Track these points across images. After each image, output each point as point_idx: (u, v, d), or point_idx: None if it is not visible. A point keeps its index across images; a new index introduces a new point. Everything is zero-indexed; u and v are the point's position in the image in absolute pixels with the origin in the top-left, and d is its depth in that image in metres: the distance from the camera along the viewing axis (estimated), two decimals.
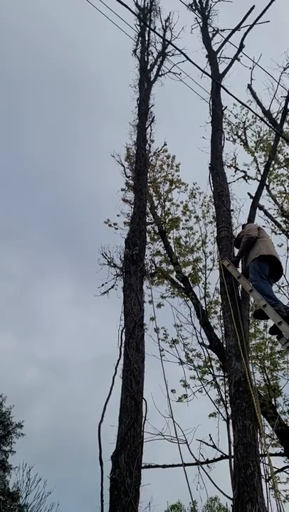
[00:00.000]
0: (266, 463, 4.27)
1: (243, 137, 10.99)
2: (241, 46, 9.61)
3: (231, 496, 4.06)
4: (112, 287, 7.44)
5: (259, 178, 9.30)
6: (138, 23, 10.05)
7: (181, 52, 5.82)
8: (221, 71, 9.52)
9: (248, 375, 4.54)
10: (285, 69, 10.20)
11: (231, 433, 4.66)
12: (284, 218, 9.81)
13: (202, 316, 7.88)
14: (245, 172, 10.31)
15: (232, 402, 4.57)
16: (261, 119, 9.99)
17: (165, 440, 4.81)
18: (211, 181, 7.38)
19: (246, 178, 10.19)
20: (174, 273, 9.01)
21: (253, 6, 9.66)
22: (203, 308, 8.12)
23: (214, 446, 6.41)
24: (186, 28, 10.88)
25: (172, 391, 7.26)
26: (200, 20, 10.93)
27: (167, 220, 9.73)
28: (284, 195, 10.08)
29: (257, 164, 10.44)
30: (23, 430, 15.63)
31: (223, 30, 10.40)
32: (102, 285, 7.60)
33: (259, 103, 10.75)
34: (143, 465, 4.46)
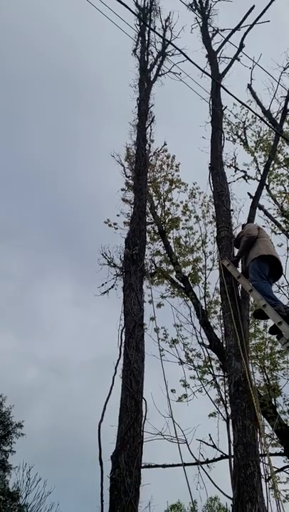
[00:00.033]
0: (266, 463, 4.28)
1: (243, 137, 11.00)
2: (241, 46, 9.61)
3: (231, 496, 4.06)
4: (112, 287, 7.45)
5: (259, 178, 9.30)
6: (138, 23, 10.05)
7: (181, 52, 5.82)
8: (220, 71, 9.52)
9: (247, 375, 4.54)
10: (285, 69, 10.21)
11: (231, 433, 4.66)
12: (284, 218, 9.82)
13: (202, 316, 7.88)
14: (245, 172, 10.32)
15: (232, 402, 4.57)
16: (261, 118, 10.00)
17: (165, 440, 4.81)
18: (211, 181, 7.38)
19: (246, 177, 10.20)
20: (174, 273, 9.01)
21: (253, 6, 9.67)
22: (203, 308, 8.12)
23: (214, 446, 6.42)
24: (186, 27, 10.89)
25: (172, 391, 7.28)
26: (200, 20, 10.93)
27: (167, 220, 9.73)
28: (284, 195, 10.08)
29: (257, 164, 10.46)
30: (23, 430, 15.62)
31: (223, 30, 10.41)
32: (102, 285, 7.61)
33: (259, 103, 10.75)
34: (143, 465, 4.47)
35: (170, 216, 9.79)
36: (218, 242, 6.38)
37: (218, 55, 9.86)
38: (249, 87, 10.84)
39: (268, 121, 10.02)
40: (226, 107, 8.88)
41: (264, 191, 9.11)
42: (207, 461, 6.49)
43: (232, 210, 6.86)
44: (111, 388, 4.74)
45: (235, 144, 11.01)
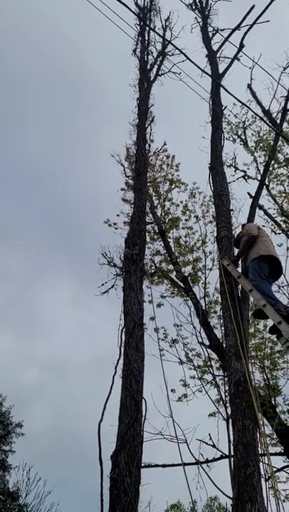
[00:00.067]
0: (266, 462, 4.28)
1: (243, 137, 11.00)
2: (241, 46, 9.60)
3: (231, 496, 4.06)
4: (112, 287, 7.44)
5: (259, 178, 9.31)
6: (138, 23, 10.04)
7: (181, 52, 5.82)
8: (220, 71, 9.51)
9: (247, 375, 4.54)
10: (285, 68, 10.22)
11: (231, 432, 4.66)
12: (284, 218, 9.82)
13: (202, 316, 7.88)
14: (245, 172, 10.32)
15: (232, 402, 4.57)
16: (261, 118, 9.99)
17: (165, 440, 4.81)
18: (211, 181, 7.38)
19: (246, 177, 10.20)
20: (174, 273, 9.01)
21: (253, 6, 9.65)
22: (203, 307, 8.12)
23: (214, 446, 6.42)
24: (186, 27, 10.88)
25: (172, 391, 7.27)
26: (200, 19, 10.93)
27: (167, 220, 9.73)
28: (284, 194, 10.08)
29: (257, 164, 10.46)
30: (22, 430, 15.66)
31: (223, 29, 10.40)
32: (102, 285, 7.60)
33: (259, 103, 10.76)
34: (143, 464, 4.47)
35: (170, 216, 9.79)
36: (218, 242, 6.38)
37: (218, 55, 9.86)
38: (249, 86, 10.85)
39: (267, 121, 10.02)
40: (225, 107, 8.88)
41: (264, 191, 9.12)
42: (207, 461, 6.49)
43: (232, 210, 6.87)
44: (111, 388, 4.74)
45: (235, 144, 11.03)
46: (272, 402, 7.83)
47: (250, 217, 7.03)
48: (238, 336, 4.88)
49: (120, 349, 5.12)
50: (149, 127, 8.50)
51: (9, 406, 15.95)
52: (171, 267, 9.20)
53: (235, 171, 10.34)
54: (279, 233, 9.54)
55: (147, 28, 10.02)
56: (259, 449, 4.14)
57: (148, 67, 9.81)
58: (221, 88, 8.26)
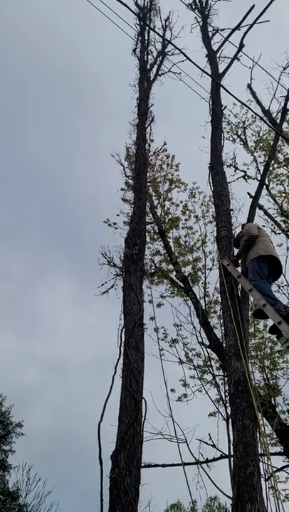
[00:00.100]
0: (266, 462, 4.28)
1: (243, 137, 11.01)
2: (241, 46, 9.61)
3: (231, 495, 4.06)
4: (112, 287, 7.43)
5: (259, 178, 9.31)
6: (138, 23, 10.04)
7: (181, 52, 5.82)
8: (220, 70, 9.52)
9: (247, 375, 4.54)
10: (284, 68, 10.23)
11: (231, 432, 4.66)
12: (283, 218, 9.82)
13: (202, 316, 7.88)
14: (244, 171, 10.32)
15: (231, 402, 4.57)
16: (261, 118, 10.00)
17: (165, 439, 4.82)
18: (211, 181, 7.38)
19: (246, 177, 10.20)
20: (174, 273, 9.01)
21: (253, 6, 9.66)
22: (203, 307, 8.12)
23: (214, 446, 6.41)
24: (186, 27, 10.89)
25: (172, 390, 7.27)
26: (200, 19, 10.94)
27: (167, 220, 9.73)
28: (284, 194, 10.08)
29: (257, 164, 10.46)
30: (22, 430, 15.62)
31: (223, 29, 10.41)
32: (102, 285, 7.59)
33: (259, 102, 10.76)
34: (143, 464, 4.47)
35: (170, 216, 9.79)
36: (218, 242, 6.38)
37: (218, 55, 9.87)
38: (249, 86, 10.85)
39: (267, 121, 10.02)
40: (225, 107, 8.89)
41: (264, 191, 9.11)
42: (207, 461, 6.49)
43: (232, 210, 6.87)
44: (111, 388, 4.74)
45: (235, 144, 11.04)
46: (272, 401, 7.83)
47: (250, 217, 7.02)
48: (238, 336, 4.88)
49: (120, 349, 5.12)
50: (149, 127, 8.51)
51: (9, 406, 15.94)
52: (171, 266, 9.20)
53: (235, 171, 10.36)
54: (279, 233, 9.54)
55: (147, 28, 10.02)
56: (259, 449, 4.14)
57: (148, 66, 9.82)
58: (221, 88, 8.26)
